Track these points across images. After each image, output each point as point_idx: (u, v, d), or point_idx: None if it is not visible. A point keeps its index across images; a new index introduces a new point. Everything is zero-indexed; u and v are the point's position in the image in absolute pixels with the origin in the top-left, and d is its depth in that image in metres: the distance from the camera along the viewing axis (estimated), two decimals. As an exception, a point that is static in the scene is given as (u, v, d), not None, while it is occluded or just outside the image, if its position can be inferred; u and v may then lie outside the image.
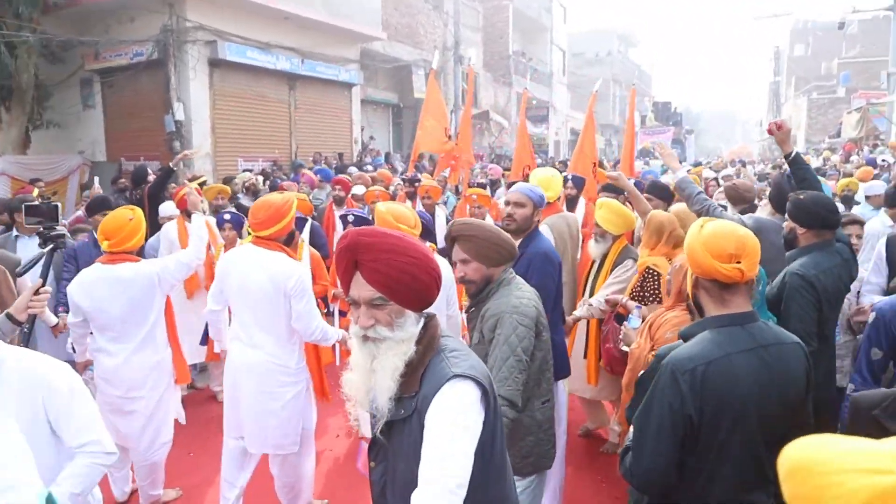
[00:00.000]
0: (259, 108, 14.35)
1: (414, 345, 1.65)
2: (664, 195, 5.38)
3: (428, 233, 4.76)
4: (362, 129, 18.37)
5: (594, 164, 7.75)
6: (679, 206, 4.38)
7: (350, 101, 17.33)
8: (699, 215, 3.76)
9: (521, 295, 2.63)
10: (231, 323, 3.69)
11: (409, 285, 1.61)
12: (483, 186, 8.75)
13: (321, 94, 16.13)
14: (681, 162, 15.07)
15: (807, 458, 0.78)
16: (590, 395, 4.64)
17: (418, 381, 1.63)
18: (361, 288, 1.61)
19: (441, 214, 7.15)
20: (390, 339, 1.63)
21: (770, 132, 3.84)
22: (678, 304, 2.93)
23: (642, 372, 2.51)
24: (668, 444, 1.93)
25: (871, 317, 2.76)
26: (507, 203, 3.60)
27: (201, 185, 7.96)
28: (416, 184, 7.81)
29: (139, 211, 3.78)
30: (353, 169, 13.12)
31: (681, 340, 2.31)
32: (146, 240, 5.30)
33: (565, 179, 6.65)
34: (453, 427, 1.52)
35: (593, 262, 4.50)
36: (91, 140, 13.91)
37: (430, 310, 1.76)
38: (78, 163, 13.03)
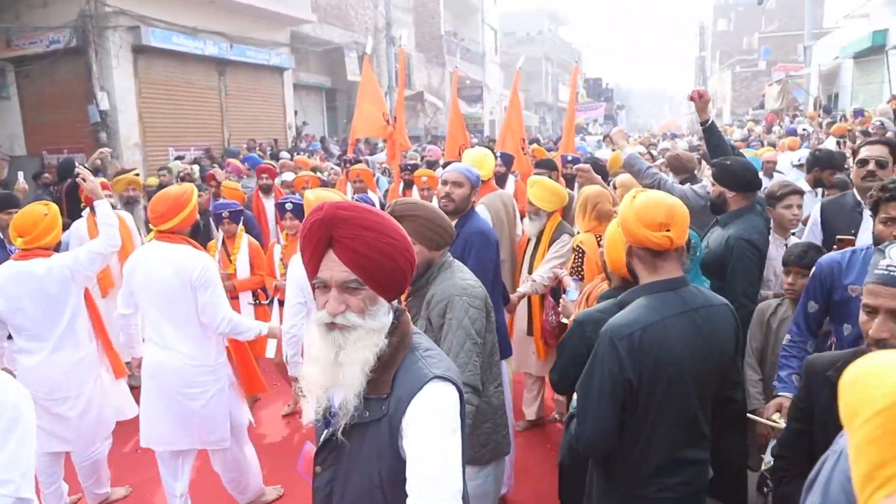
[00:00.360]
0: (188, 96, 13.98)
1: (385, 337, 1.50)
2: (598, 171, 5.56)
3: None
4: (296, 114, 18.13)
5: (522, 140, 7.93)
6: (624, 177, 4.55)
7: (282, 85, 17.06)
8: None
9: (465, 277, 2.56)
10: (144, 324, 3.60)
11: (387, 269, 1.47)
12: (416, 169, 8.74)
13: (252, 79, 15.83)
14: (610, 138, 15.46)
15: (862, 371, 0.92)
16: (536, 370, 4.67)
17: (390, 381, 1.48)
18: (334, 268, 1.45)
19: (374, 199, 7.05)
20: (361, 327, 1.46)
21: (692, 99, 4.12)
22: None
23: (563, 336, 2.67)
24: (610, 408, 2.02)
25: (812, 272, 2.83)
26: (445, 183, 3.57)
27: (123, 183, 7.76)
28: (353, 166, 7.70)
29: (54, 206, 3.69)
30: (284, 154, 12.98)
31: (597, 305, 2.67)
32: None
33: (494, 155, 6.89)
34: (442, 433, 1.40)
35: (529, 239, 4.58)
36: (8, 133, 13.24)
37: None
38: (-5, 158, 12.43)
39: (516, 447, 4.07)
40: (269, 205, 7.20)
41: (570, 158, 7.15)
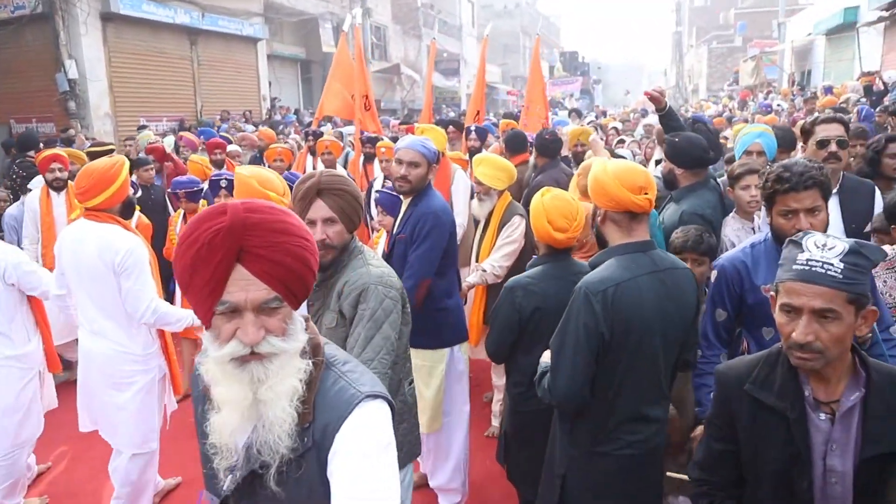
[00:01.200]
0: (160, 65, 13.88)
1: (304, 356, 1.27)
2: (545, 150, 5.38)
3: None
4: (270, 85, 18.04)
5: (477, 112, 7.96)
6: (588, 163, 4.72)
7: (256, 56, 16.96)
8: None
9: (378, 264, 2.32)
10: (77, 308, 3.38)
11: (303, 277, 1.24)
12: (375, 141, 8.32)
13: (225, 49, 15.72)
14: (577, 110, 15.51)
15: None
16: (472, 354, 4.29)
17: (311, 406, 1.27)
18: (249, 287, 1.17)
19: (341, 171, 6.92)
20: (285, 352, 1.22)
21: (648, 95, 4.20)
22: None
23: (494, 305, 2.85)
24: (584, 361, 2.12)
25: (714, 275, 2.55)
26: (399, 163, 3.32)
27: (106, 153, 7.75)
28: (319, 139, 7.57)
29: None
30: (248, 128, 12.89)
31: (526, 272, 2.85)
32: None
33: (468, 131, 6.93)
34: (377, 452, 1.25)
35: (478, 222, 4.35)
36: (-28, 101, 13.06)
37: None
38: (-41, 126, 12.29)
39: (473, 446, 3.80)
40: None
41: (472, 129, 7.02)
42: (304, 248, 1.23)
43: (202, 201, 5.06)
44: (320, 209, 2.19)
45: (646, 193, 2.19)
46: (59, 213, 5.24)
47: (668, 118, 4.09)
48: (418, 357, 3.16)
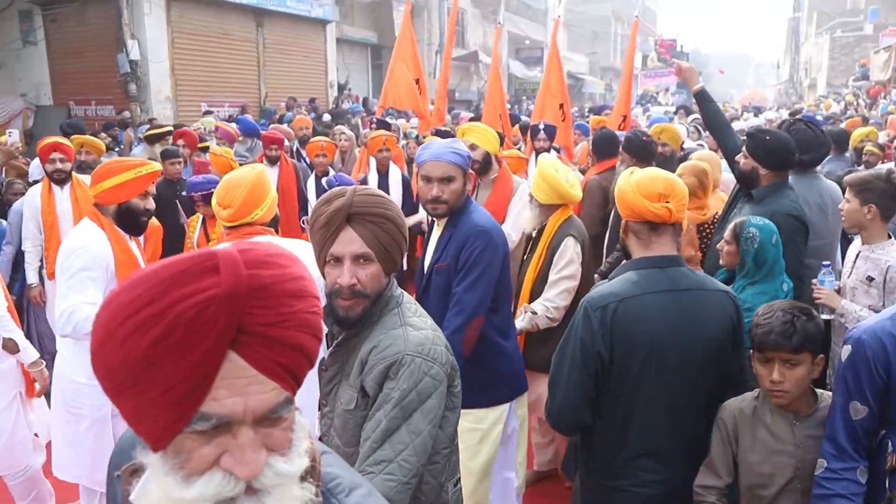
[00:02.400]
0: (224, 48, 14.18)
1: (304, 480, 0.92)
2: (642, 153, 5.10)
3: None
4: (338, 71, 18.20)
5: (560, 106, 7.67)
6: (702, 153, 4.45)
7: (324, 40, 17.13)
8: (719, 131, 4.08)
9: (422, 324, 1.87)
10: None
11: (312, 356, 0.91)
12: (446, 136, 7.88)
13: (292, 32, 15.93)
14: (687, 107, 14.94)
15: None
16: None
17: None
18: (249, 389, 0.83)
19: (396, 172, 6.48)
20: (288, 477, 0.88)
21: (675, 73, 4.25)
22: None
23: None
24: (579, 378, 2.16)
25: (845, 352, 1.99)
26: (428, 180, 2.84)
27: (163, 135, 7.86)
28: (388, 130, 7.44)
29: None
30: (288, 116, 12.75)
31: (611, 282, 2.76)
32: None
33: (535, 129, 6.60)
34: None
35: (529, 237, 3.86)
36: (34, 81, 13.66)
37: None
38: (20, 107, 12.89)
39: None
40: (272, 178, 6.35)
41: (541, 127, 6.65)
42: (318, 314, 0.90)
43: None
44: (351, 242, 1.74)
45: (666, 202, 2.18)
46: (63, 210, 4.92)
47: (703, 100, 4.07)
48: (466, 419, 2.57)
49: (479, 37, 26.22)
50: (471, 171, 2.97)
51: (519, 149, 7.56)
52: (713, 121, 4.11)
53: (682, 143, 6.71)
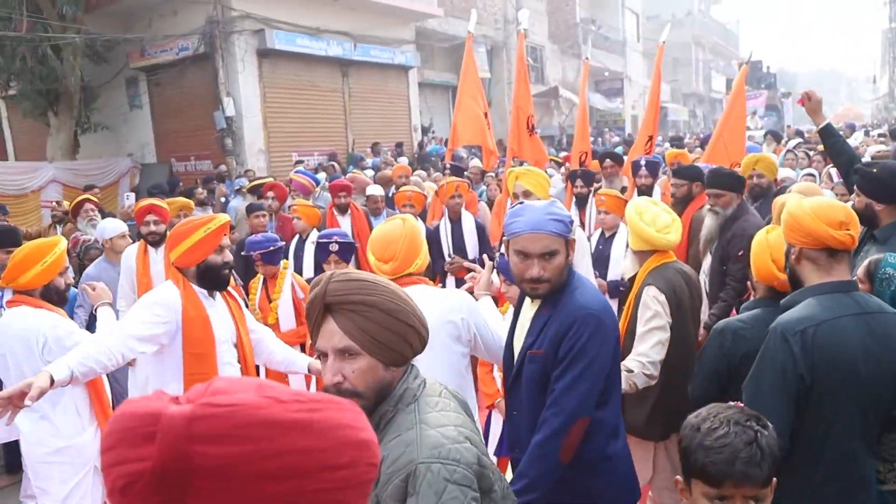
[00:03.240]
0: (312, 99, 14.71)
1: None
2: (734, 184, 4.67)
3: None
4: (421, 115, 18.51)
5: (648, 137, 7.44)
6: (804, 186, 4.27)
7: (407, 85, 17.50)
8: (848, 167, 3.88)
9: (438, 420, 1.61)
10: None
11: None
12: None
13: (376, 79, 16.36)
14: (776, 132, 14.21)
15: None
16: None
17: None
18: None
19: (469, 219, 6.14)
20: None
21: (801, 102, 4.12)
22: None
23: (703, 347, 2.88)
24: (786, 406, 2.12)
25: None
26: (525, 256, 2.37)
27: (257, 188, 8.09)
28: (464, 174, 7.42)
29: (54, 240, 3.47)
30: (402, 160, 12.93)
31: (739, 315, 2.83)
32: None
33: (637, 166, 6.22)
34: None
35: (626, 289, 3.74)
36: (139, 142, 14.57)
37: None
38: (128, 166, 13.71)
39: None
40: (344, 225, 6.53)
41: (642, 163, 6.15)
42: (325, 491, 0.72)
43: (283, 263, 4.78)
44: (331, 335, 1.53)
45: (847, 229, 2.19)
46: (157, 272, 4.90)
47: (828, 136, 3.93)
48: None
49: (559, 72, 26.20)
50: (573, 237, 2.46)
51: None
52: (842, 158, 3.93)
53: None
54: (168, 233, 4.90)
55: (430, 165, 13.36)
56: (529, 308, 2.53)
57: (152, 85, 14.10)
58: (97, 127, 13.70)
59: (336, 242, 4.39)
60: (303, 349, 4.52)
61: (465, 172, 8.83)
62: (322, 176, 10.69)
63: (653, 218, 3.34)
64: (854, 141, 9.29)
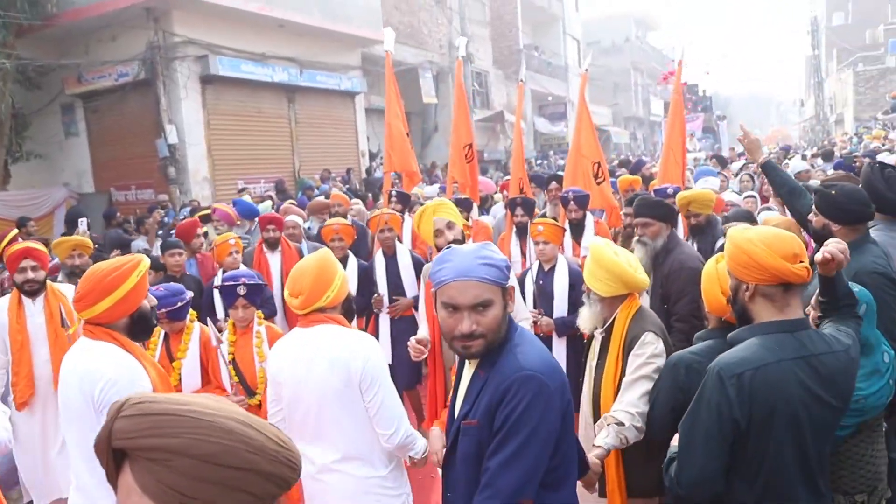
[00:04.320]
0: (257, 125, 14.42)
1: None
2: (664, 214, 4.40)
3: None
4: (368, 140, 18.40)
5: (596, 164, 7.04)
6: (769, 215, 4.29)
7: (354, 111, 17.38)
8: (791, 197, 3.91)
9: None
10: None
11: None
12: (467, 206, 6.91)
13: (323, 105, 16.19)
14: (720, 157, 14.48)
15: None
16: None
17: None
18: None
19: (405, 255, 5.74)
20: None
21: (740, 140, 4.24)
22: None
23: (656, 381, 2.85)
24: (718, 449, 2.08)
25: None
26: (454, 309, 2.02)
27: (203, 218, 7.82)
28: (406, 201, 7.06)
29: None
30: (323, 187, 12.68)
31: (691, 347, 2.80)
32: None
33: (564, 200, 6.04)
34: None
35: (591, 337, 3.28)
36: (76, 170, 14.02)
37: None
38: (63, 196, 13.17)
39: None
40: (274, 263, 6.12)
41: (569, 195, 6.01)
42: None
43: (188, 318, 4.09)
44: (127, 495, 1.02)
45: (801, 261, 2.11)
46: (36, 326, 4.30)
47: (770, 172, 3.99)
48: None
49: (504, 96, 26.47)
50: (511, 284, 2.10)
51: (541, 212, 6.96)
52: (784, 189, 3.94)
53: (719, 200, 6.20)
54: (47, 280, 4.40)
55: (379, 192, 13.21)
56: (467, 370, 2.17)
57: (90, 112, 13.61)
58: (30, 155, 13.14)
59: (244, 284, 3.92)
60: None
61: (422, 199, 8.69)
62: (267, 205, 10.36)
63: (627, 257, 3.13)
64: (795, 165, 9.52)
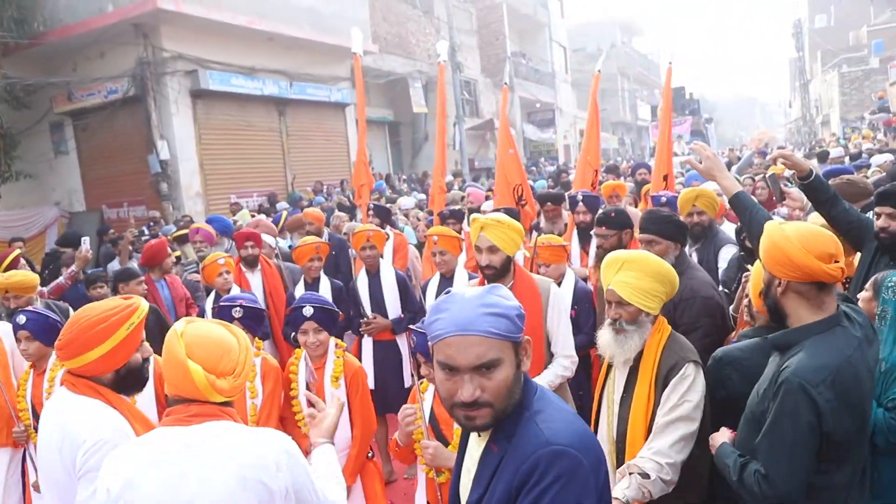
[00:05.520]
0: (249, 139, 14.40)
1: None
2: (673, 231, 3.75)
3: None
4: (359, 152, 18.40)
5: (595, 171, 6.90)
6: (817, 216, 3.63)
7: (344, 122, 17.38)
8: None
9: None
10: None
11: None
12: (459, 217, 6.61)
13: (313, 117, 16.20)
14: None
15: None
16: None
17: None
18: None
19: (390, 273, 5.44)
20: None
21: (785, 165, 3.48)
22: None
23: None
24: (808, 460, 2.06)
25: None
26: (452, 371, 1.61)
27: (179, 239, 7.65)
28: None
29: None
30: (282, 204, 12.45)
31: (737, 343, 2.73)
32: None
33: (573, 202, 5.74)
34: None
35: (610, 366, 2.81)
36: (67, 189, 13.92)
37: None
38: (55, 215, 13.08)
39: None
40: (255, 283, 5.82)
41: (579, 197, 5.70)
42: None
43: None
44: None
45: (836, 261, 2.10)
46: None
47: (813, 189, 3.34)
48: None
49: (493, 104, 26.56)
50: (525, 337, 1.66)
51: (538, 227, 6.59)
52: (827, 205, 3.39)
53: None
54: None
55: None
56: (477, 443, 1.76)
57: (79, 130, 13.53)
58: (19, 175, 13.00)
59: (241, 307, 3.67)
60: None
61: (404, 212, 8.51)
62: (244, 213, 10.31)
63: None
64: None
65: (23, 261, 5.96)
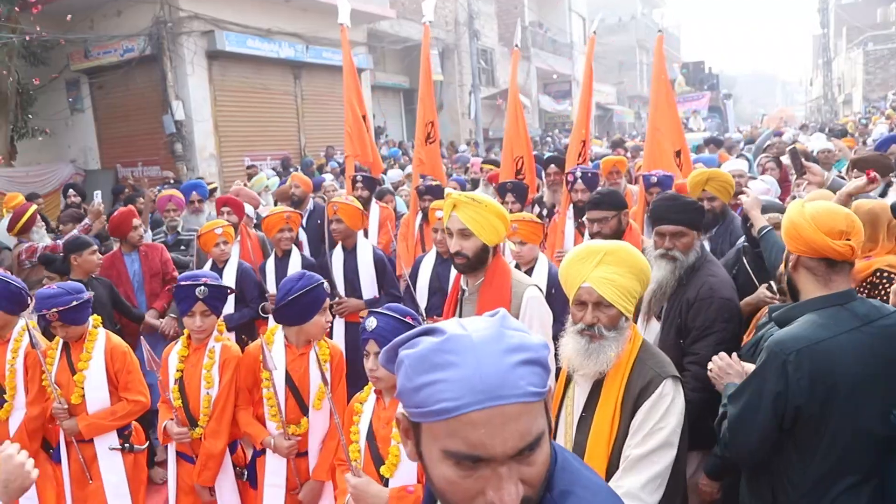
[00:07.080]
0: (264, 102, 14.40)
1: None
2: (698, 219, 3.28)
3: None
4: (374, 117, 18.37)
5: (583, 142, 6.10)
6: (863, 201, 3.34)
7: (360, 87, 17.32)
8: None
9: None
10: None
11: None
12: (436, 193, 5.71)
13: (329, 82, 16.13)
14: (716, 134, 13.87)
15: None
16: None
17: None
18: None
19: (367, 251, 4.96)
20: None
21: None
22: None
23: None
24: (769, 426, 2.11)
25: None
26: (476, 463, 1.01)
27: (211, 192, 7.83)
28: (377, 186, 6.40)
29: None
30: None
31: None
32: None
33: (573, 177, 5.21)
34: None
35: (567, 375, 2.45)
36: (82, 147, 14.01)
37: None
38: (70, 172, 13.17)
39: None
40: (232, 254, 5.25)
41: (654, 180, 5.13)
42: None
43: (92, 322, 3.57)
44: None
45: (847, 239, 2.10)
46: None
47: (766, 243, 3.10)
48: None
49: (509, 73, 26.38)
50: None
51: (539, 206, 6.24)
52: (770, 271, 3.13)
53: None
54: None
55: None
56: None
57: (95, 88, 13.58)
58: (35, 132, 13.09)
59: (205, 285, 3.30)
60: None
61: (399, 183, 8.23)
62: (275, 181, 10.22)
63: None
64: (816, 144, 8.73)
65: (39, 217, 6.05)
